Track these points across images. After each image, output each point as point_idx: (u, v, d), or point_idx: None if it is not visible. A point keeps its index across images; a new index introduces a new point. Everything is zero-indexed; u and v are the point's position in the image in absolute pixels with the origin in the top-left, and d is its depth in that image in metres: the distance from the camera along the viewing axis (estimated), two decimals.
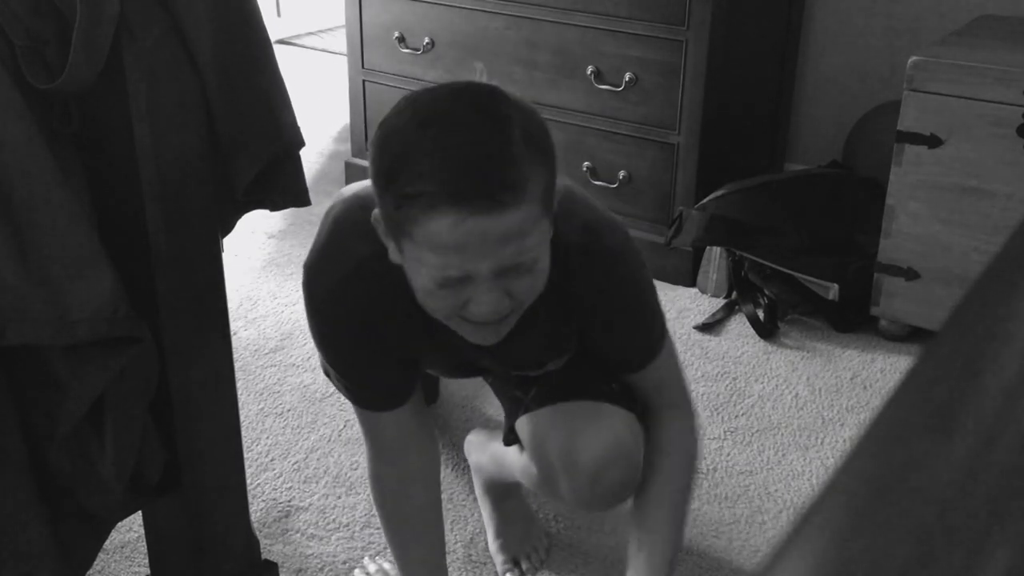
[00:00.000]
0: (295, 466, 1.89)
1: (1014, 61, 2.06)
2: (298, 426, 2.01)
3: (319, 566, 1.66)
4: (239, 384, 2.09)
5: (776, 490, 1.84)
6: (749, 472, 1.89)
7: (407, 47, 2.81)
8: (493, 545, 1.68)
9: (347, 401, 1.42)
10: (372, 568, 1.64)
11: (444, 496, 1.60)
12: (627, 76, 2.46)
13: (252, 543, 1.52)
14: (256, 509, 1.76)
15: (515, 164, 1.03)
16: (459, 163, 1.02)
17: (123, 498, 1.23)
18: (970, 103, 2.05)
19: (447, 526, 1.66)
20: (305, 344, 2.27)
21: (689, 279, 2.55)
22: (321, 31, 4.88)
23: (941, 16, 2.60)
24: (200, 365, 1.33)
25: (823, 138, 2.85)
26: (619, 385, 1.41)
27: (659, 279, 2.47)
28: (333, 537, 1.72)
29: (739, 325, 2.38)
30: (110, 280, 1.11)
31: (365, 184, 1.27)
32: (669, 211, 2.52)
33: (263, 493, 1.82)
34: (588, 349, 1.39)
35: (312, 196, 1.39)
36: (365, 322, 1.28)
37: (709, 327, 2.37)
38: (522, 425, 1.46)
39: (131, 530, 1.69)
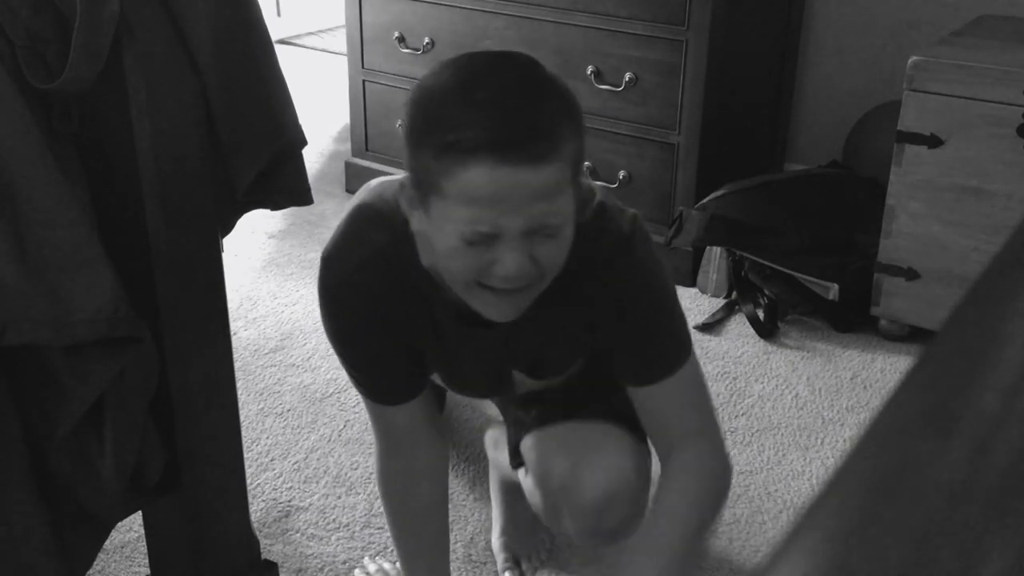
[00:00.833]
0: (295, 466, 1.89)
1: (1014, 61, 2.06)
2: (298, 426, 2.01)
3: (319, 566, 1.66)
4: (239, 384, 2.09)
5: (776, 490, 1.84)
6: (749, 472, 1.89)
7: (407, 47, 2.81)
8: (496, 542, 1.68)
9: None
10: (372, 568, 1.63)
11: None
12: (627, 76, 2.46)
13: (252, 543, 1.52)
14: (256, 509, 1.76)
15: (552, 122, 1.06)
16: (500, 113, 1.05)
17: (123, 498, 1.23)
18: (970, 103, 2.05)
19: None
20: (305, 344, 2.27)
21: (689, 279, 2.55)
22: (321, 31, 4.88)
23: (941, 16, 2.60)
24: (200, 365, 1.33)
25: (823, 138, 2.85)
26: (620, 402, 1.37)
27: None
28: (333, 537, 1.72)
29: (739, 325, 2.38)
30: (110, 280, 1.11)
31: (389, 178, 1.28)
32: (669, 211, 2.52)
33: (263, 493, 1.82)
34: (603, 361, 1.34)
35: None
36: (378, 312, 1.27)
37: (709, 327, 2.37)
38: (527, 448, 1.45)
39: (131, 530, 1.69)
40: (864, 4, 2.71)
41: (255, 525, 1.64)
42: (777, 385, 2.16)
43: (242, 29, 1.22)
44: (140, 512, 1.46)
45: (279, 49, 1.74)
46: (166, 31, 1.15)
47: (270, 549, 1.68)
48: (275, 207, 1.36)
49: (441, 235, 1.11)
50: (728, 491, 1.37)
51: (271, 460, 1.91)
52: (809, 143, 2.89)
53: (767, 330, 2.33)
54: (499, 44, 2.64)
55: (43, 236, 1.07)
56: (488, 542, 1.71)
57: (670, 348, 1.31)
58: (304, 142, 1.32)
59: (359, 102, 2.97)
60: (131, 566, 1.65)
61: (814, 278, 2.35)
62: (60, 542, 1.21)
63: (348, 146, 3.16)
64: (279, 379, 2.16)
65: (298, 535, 1.73)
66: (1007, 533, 0.43)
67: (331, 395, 2.08)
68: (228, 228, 1.38)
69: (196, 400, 1.33)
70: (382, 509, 1.50)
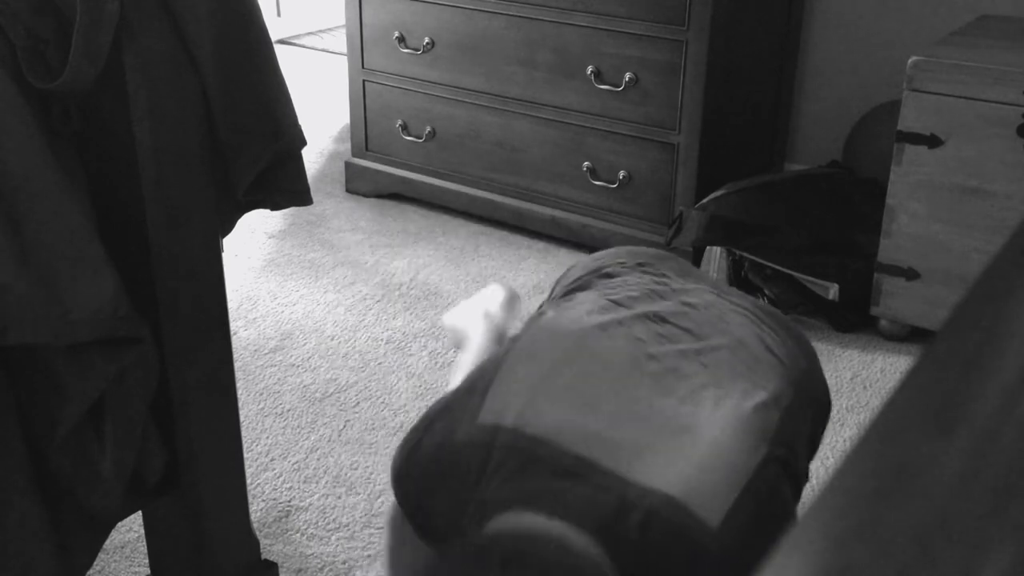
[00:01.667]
0: (295, 466, 1.89)
1: (1014, 61, 2.06)
2: (298, 426, 2.01)
3: (319, 566, 1.66)
4: (239, 384, 2.09)
5: None
6: None
7: (407, 47, 2.81)
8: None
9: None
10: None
11: None
12: (627, 76, 2.46)
13: (252, 543, 1.52)
14: (256, 509, 1.76)
15: None
16: None
17: (123, 498, 1.23)
18: (970, 103, 2.05)
19: None
20: (305, 344, 2.27)
21: None
22: (321, 31, 4.88)
23: (941, 16, 2.60)
24: (200, 365, 1.33)
25: (823, 138, 2.85)
26: None
27: None
28: (333, 537, 1.72)
29: None
30: (111, 280, 1.11)
31: None
32: (669, 211, 2.52)
33: (263, 493, 1.82)
34: None
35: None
36: None
37: None
38: None
39: (131, 530, 1.69)
40: (864, 4, 2.71)
41: (255, 525, 1.64)
42: None
43: (242, 29, 1.22)
44: (140, 512, 1.46)
45: (279, 49, 1.74)
46: (166, 31, 1.15)
47: (270, 549, 1.68)
48: (275, 207, 1.36)
49: None
50: None
51: (271, 460, 1.91)
52: (809, 143, 2.89)
53: None
54: (499, 44, 2.64)
55: (43, 236, 1.07)
56: None
57: None
58: (304, 142, 1.32)
59: (359, 102, 2.97)
60: (131, 566, 1.65)
61: (814, 278, 2.35)
62: (60, 542, 1.21)
63: (348, 146, 3.16)
64: (279, 379, 2.16)
65: (298, 535, 1.73)
66: (1007, 533, 0.43)
67: (331, 395, 2.08)
68: (228, 228, 1.38)
69: (196, 400, 1.33)
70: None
